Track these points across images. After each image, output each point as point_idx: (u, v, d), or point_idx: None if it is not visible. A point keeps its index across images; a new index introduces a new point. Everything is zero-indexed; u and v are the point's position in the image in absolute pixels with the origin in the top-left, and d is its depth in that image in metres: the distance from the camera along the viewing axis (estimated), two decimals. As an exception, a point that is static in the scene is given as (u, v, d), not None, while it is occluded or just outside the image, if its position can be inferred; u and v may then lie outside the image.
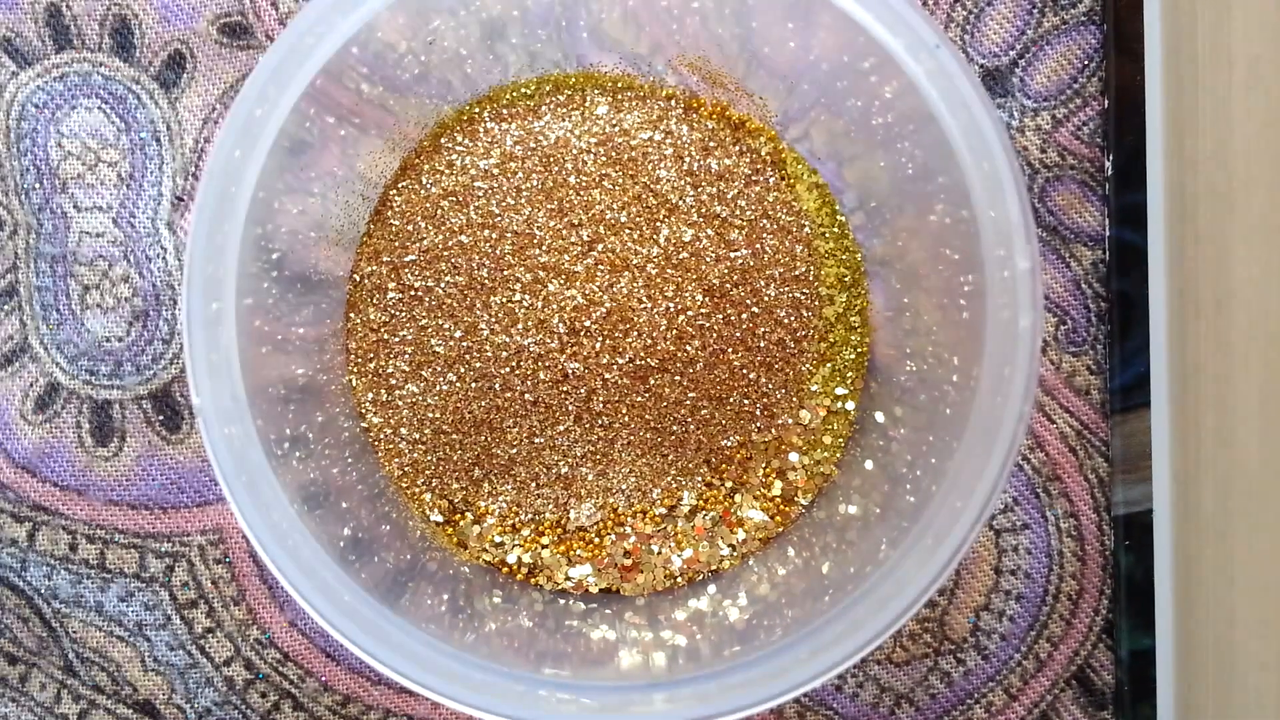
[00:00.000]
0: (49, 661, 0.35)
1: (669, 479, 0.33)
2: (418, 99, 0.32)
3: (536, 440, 0.33)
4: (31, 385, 0.35)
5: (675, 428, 0.33)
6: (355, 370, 0.33)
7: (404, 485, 0.33)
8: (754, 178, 0.33)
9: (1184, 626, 0.32)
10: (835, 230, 0.33)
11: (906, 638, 0.34)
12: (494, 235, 0.33)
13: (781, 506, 0.33)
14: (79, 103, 0.34)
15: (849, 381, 0.33)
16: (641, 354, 0.33)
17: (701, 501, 0.33)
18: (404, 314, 0.33)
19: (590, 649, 0.30)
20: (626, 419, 0.33)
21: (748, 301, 0.33)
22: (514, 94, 0.33)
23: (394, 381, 0.33)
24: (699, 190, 0.33)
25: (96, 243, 0.34)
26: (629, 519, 0.33)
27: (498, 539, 0.33)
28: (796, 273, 0.33)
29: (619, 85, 0.33)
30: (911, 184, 0.29)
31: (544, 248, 0.33)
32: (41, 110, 0.34)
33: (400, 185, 0.33)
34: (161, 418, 0.35)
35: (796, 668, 0.26)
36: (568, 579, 0.33)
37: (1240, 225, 0.30)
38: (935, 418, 0.28)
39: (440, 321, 0.33)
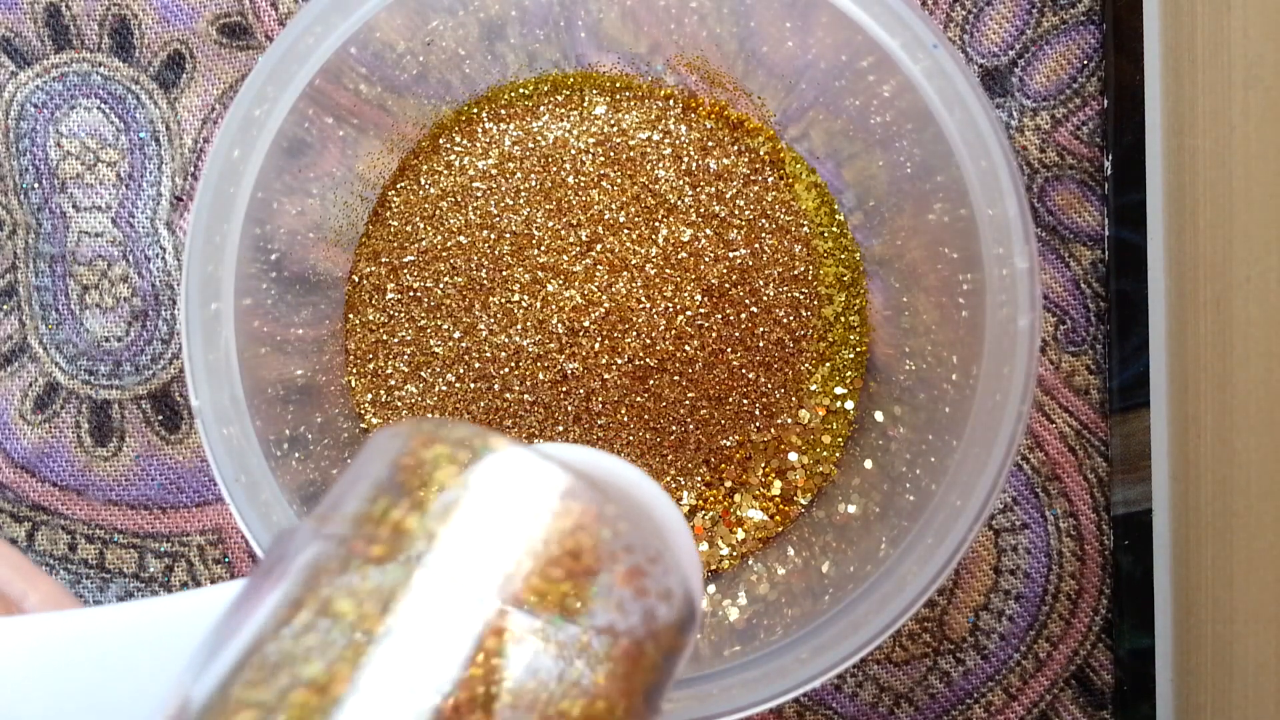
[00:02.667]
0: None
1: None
2: (416, 99, 0.32)
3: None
4: (31, 385, 0.35)
5: (674, 428, 0.33)
6: (354, 371, 0.33)
7: (403, 485, 0.33)
8: (752, 177, 0.33)
9: (1183, 626, 0.32)
10: (834, 229, 0.33)
11: (906, 637, 0.34)
12: (492, 236, 0.33)
13: (781, 506, 0.33)
14: (78, 103, 0.34)
15: (848, 381, 0.33)
16: (640, 354, 0.33)
17: (701, 501, 0.33)
18: (403, 315, 0.33)
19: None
20: (625, 419, 0.33)
21: (746, 301, 0.33)
22: (512, 94, 0.33)
23: (393, 382, 0.33)
24: (697, 190, 0.33)
25: (95, 242, 0.34)
26: (628, 519, 0.33)
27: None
28: (795, 272, 0.33)
29: (617, 85, 0.33)
30: (910, 183, 0.29)
31: (543, 248, 0.33)
32: (41, 110, 0.34)
33: (399, 186, 0.33)
34: (160, 418, 0.35)
35: (796, 668, 0.25)
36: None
37: (1240, 225, 0.30)
38: (934, 417, 0.28)
39: (439, 322, 0.33)
